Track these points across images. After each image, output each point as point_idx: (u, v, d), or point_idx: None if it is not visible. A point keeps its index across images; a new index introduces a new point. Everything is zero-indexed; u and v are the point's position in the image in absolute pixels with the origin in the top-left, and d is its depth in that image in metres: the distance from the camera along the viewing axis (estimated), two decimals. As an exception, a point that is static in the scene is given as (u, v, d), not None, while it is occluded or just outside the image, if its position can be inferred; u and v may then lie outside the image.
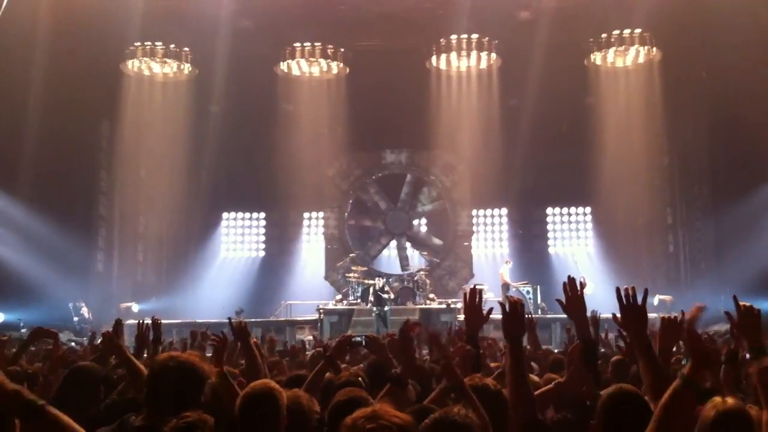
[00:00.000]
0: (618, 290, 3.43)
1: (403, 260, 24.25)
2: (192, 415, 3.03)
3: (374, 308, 19.67)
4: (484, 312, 4.08)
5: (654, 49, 22.68)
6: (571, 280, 4.10)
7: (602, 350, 7.36)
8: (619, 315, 3.44)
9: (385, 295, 19.91)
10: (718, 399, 2.93)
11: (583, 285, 4.10)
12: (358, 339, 5.76)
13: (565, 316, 4.55)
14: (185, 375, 3.41)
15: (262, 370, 4.80)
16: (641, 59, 23.13)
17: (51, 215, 19.94)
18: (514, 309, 3.61)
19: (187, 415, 3.02)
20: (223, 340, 4.53)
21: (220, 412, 3.30)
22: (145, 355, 5.55)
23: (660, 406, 2.76)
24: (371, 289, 20.47)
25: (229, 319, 5.21)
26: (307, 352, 9.48)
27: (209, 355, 6.24)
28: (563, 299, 4.16)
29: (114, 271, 24.14)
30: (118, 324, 5.80)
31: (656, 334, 4.37)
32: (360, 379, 4.58)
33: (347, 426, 2.19)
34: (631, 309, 3.40)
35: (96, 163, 23.62)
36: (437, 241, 24.68)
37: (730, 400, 2.89)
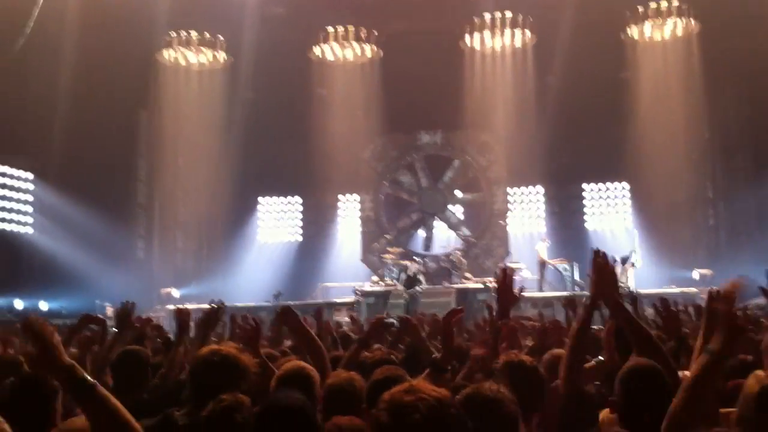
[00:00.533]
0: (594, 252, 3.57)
1: (427, 241, 24.26)
2: (228, 398, 3.08)
3: (405, 291, 19.62)
4: (516, 291, 4.05)
5: (692, 20, 22.27)
6: (600, 255, 3.98)
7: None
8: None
9: (420, 277, 19.87)
10: (760, 372, 2.91)
11: (614, 261, 4.05)
12: (392, 321, 5.79)
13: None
14: (228, 369, 3.46)
15: (322, 348, 4.68)
16: (679, 32, 22.73)
17: (91, 204, 20.32)
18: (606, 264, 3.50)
19: (223, 398, 3.07)
20: (255, 328, 4.53)
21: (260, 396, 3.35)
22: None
23: (688, 380, 2.74)
24: (402, 274, 20.43)
25: (278, 302, 5.26)
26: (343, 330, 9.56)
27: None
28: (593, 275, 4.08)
29: (154, 257, 24.58)
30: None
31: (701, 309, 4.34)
32: (393, 357, 4.64)
33: (385, 401, 2.17)
34: (601, 274, 3.52)
35: (134, 152, 24.00)
36: (467, 231, 24.60)
37: None
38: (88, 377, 2.44)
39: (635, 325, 3.45)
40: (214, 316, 5.42)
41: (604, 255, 3.72)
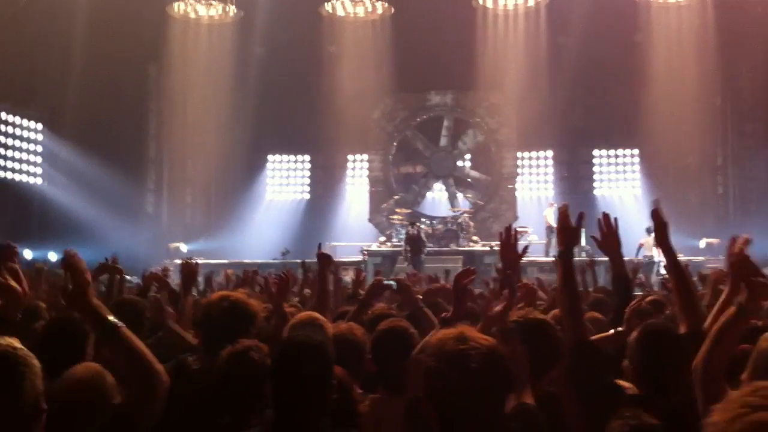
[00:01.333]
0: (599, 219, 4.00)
1: (452, 198, 24.21)
2: (246, 341, 3.19)
3: (409, 255, 19.57)
4: (519, 251, 4.09)
5: (708, -16, 21.96)
6: (606, 217, 4.08)
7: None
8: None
9: (423, 237, 19.86)
10: None
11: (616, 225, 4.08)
12: (391, 283, 5.90)
13: (605, 258, 4.57)
14: (238, 313, 3.58)
15: (329, 300, 5.09)
16: (694, -6, 22.43)
17: (101, 157, 20.37)
18: (565, 219, 3.60)
19: (242, 341, 3.17)
20: (286, 278, 4.66)
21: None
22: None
23: (714, 332, 2.76)
24: (405, 238, 20.34)
25: (319, 245, 5.47)
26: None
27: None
28: (599, 237, 4.15)
29: (163, 212, 24.68)
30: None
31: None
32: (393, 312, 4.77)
33: (436, 348, 2.18)
34: (608, 235, 3.89)
35: (144, 106, 23.94)
36: (484, 177, 24.54)
37: None
38: (113, 318, 2.53)
39: (680, 271, 3.61)
40: (191, 271, 5.57)
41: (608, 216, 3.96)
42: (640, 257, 18.65)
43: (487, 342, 2.19)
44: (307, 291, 7.58)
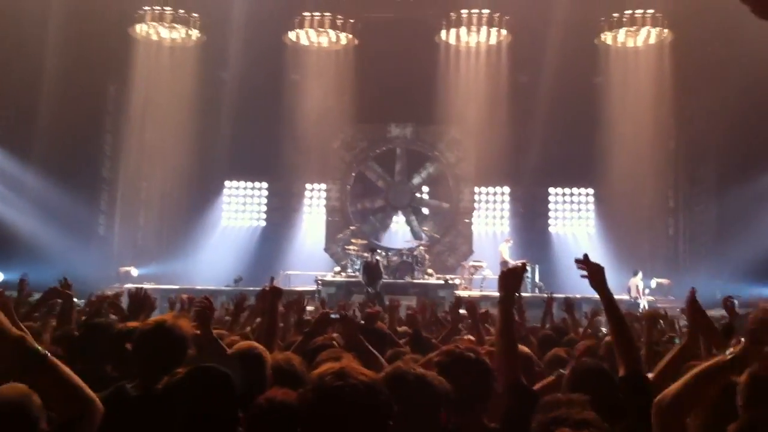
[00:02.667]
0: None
1: (414, 232, 24.18)
2: (183, 371, 3.07)
3: (367, 288, 19.47)
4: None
5: (666, 30, 22.50)
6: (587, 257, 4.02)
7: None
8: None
9: (381, 268, 19.78)
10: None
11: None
12: (337, 317, 5.92)
13: (561, 295, 4.65)
14: (165, 337, 3.53)
15: (277, 334, 5.09)
16: (652, 40, 22.97)
17: (53, 176, 20.01)
18: (515, 268, 3.84)
19: (178, 371, 3.07)
20: (208, 304, 4.60)
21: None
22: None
23: (693, 375, 2.67)
24: (362, 266, 20.23)
25: (271, 279, 5.45)
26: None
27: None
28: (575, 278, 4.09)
29: (115, 234, 24.26)
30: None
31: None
32: (334, 342, 4.80)
33: (315, 382, 2.19)
34: (509, 274, 3.93)
35: (101, 126, 23.67)
36: (442, 204, 24.62)
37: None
38: (40, 348, 2.36)
39: (616, 314, 3.61)
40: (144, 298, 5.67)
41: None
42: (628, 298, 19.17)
43: (366, 377, 2.18)
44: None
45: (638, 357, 3.59)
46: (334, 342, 4.96)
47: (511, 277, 3.75)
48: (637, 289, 19.90)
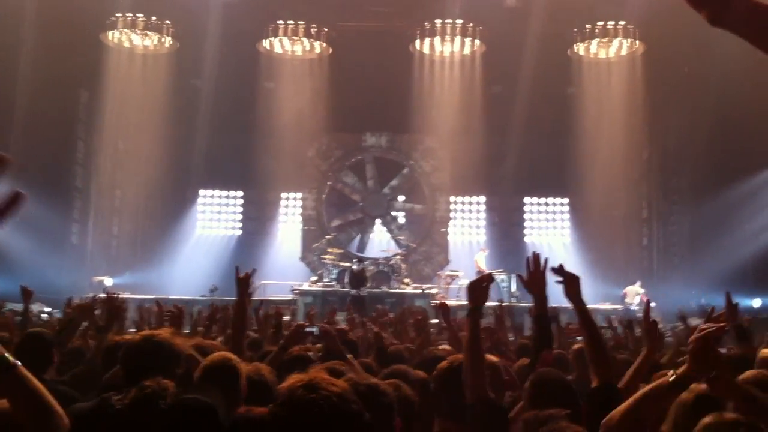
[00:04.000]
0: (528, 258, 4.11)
1: (396, 239, 24.18)
2: (151, 384, 3.00)
3: (350, 291, 19.52)
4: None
5: (637, 42, 22.72)
6: (535, 256, 4.20)
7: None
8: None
9: (367, 275, 19.79)
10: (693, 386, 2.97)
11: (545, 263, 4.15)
12: (313, 330, 5.86)
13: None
14: (162, 353, 3.44)
15: (245, 328, 5.11)
16: (624, 51, 23.18)
17: (27, 185, 19.45)
18: (481, 278, 3.78)
19: (146, 385, 3.00)
20: (179, 312, 4.56)
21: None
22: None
23: (640, 396, 2.72)
24: (347, 271, 20.36)
25: (236, 268, 5.27)
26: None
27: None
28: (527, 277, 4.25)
29: (88, 243, 23.96)
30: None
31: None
32: (311, 354, 4.77)
33: (285, 395, 2.15)
34: (535, 273, 4.04)
35: (73, 133, 23.38)
36: (418, 206, 24.61)
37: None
38: (10, 357, 2.32)
39: (590, 325, 3.64)
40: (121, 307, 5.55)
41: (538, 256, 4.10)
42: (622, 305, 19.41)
43: (337, 388, 2.15)
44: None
45: (610, 367, 3.59)
46: (310, 354, 4.91)
47: (477, 288, 3.71)
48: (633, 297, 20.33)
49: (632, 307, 19.35)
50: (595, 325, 3.64)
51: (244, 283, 5.07)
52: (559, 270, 3.76)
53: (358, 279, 19.65)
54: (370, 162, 24.78)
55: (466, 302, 4.25)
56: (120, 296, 6.10)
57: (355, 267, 20.11)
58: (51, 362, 4.61)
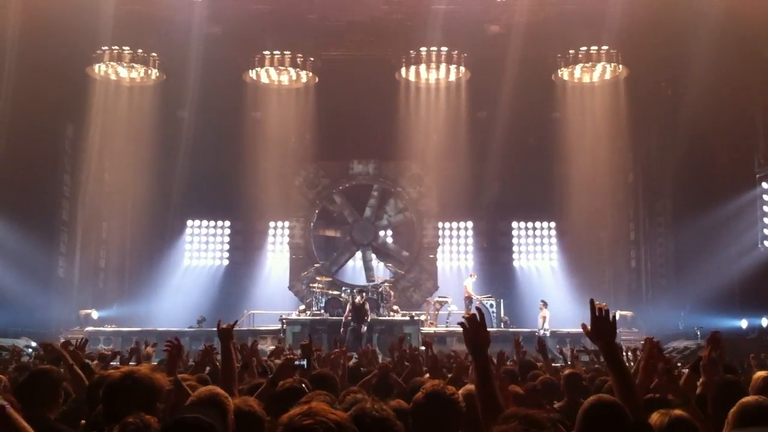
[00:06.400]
0: (592, 302, 3.56)
1: (369, 271, 24.19)
2: (134, 421, 2.99)
3: (351, 323, 19.32)
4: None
5: (620, 66, 22.92)
6: (599, 305, 3.70)
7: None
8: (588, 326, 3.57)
9: (367, 307, 19.63)
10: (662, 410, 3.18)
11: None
12: (302, 363, 5.83)
13: (525, 329, 4.63)
14: (142, 389, 3.43)
15: (235, 375, 4.95)
16: (607, 75, 23.38)
17: (13, 218, 19.54)
18: (473, 321, 3.52)
19: (129, 421, 2.98)
20: (177, 346, 4.53)
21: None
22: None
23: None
24: (348, 305, 20.03)
25: (218, 321, 5.25)
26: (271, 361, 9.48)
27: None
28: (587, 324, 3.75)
29: (75, 277, 23.78)
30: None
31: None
32: (303, 385, 4.73)
33: (284, 423, 2.20)
34: (602, 322, 3.55)
35: (60, 166, 23.30)
36: (404, 252, 24.68)
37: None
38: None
39: (624, 375, 3.54)
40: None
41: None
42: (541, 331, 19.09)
43: (336, 416, 2.20)
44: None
45: (640, 404, 3.52)
46: (304, 386, 4.87)
47: (474, 332, 3.47)
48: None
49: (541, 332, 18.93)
50: (623, 362, 3.58)
51: (227, 334, 5.08)
52: (603, 315, 3.59)
53: (359, 314, 19.46)
54: (340, 196, 24.70)
55: (455, 329, 4.22)
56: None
57: (357, 299, 19.83)
58: (57, 401, 4.53)
